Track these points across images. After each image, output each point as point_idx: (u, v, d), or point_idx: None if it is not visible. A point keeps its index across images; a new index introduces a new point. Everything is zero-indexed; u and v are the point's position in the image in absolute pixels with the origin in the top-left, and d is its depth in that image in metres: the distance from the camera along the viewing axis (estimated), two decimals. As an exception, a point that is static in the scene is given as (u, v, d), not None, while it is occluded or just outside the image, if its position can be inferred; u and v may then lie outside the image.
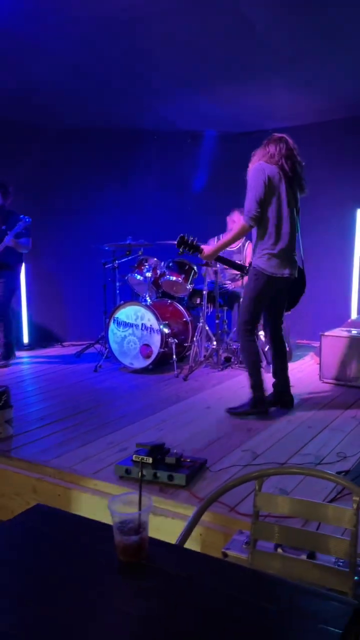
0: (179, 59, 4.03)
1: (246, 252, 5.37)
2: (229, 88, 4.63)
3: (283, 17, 3.34)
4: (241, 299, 3.46)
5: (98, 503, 2.41)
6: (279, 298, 3.43)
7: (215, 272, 4.67)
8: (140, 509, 1.12)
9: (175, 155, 6.02)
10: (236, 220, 5.35)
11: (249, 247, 5.39)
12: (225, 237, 3.45)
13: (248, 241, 5.41)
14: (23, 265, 5.12)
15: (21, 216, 4.70)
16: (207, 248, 3.46)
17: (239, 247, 5.38)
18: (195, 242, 3.49)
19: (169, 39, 3.68)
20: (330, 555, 1.64)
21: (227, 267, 4.06)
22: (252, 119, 5.53)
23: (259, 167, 3.22)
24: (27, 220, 4.69)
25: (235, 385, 4.23)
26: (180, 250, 3.63)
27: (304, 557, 1.75)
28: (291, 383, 3.61)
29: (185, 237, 3.46)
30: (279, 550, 1.82)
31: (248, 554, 1.61)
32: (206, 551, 2.11)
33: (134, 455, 2.54)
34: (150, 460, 2.50)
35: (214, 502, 1.70)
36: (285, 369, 3.57)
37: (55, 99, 4.93)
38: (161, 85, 4.62)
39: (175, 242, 3.50)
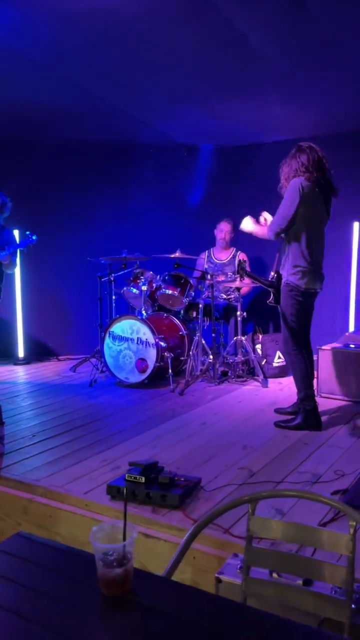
0: (175, 74, 4.03)
1: (237, 262, 5.33)
2: (224, 102, 4.63)
3: (277, 31, 3.34)
4: (281, 317, 3.49)
5: (90, 525, 2.35)
6: (309, 311, 3.49)
7: (211, 286, 4.64)
8: (124, 539, 1.07)
9: (171, 169, 6.02)
10: (224, 229, 5.35)
11: (240, 257, 5.36)
12: (262, 230, 3.48)
13: (239, 251, 5.39)
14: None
15: (27, 232, 4.39)
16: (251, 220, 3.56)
17: (229, 258, 5.37)
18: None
19: (165, 54, 3.67)
20: (326, 582, 1.58)
21: (259, 283, 4.04)
22: (248, 132, 5.53)
23: (297, 184, 3.22)
24: (34, 239, 4.37)
25: (232, 399, 4.17)
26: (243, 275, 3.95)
27: (299, 582, 1.70)
28: (289, 397, 3.55)
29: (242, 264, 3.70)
30: (274, 575, 1.76)
31: (242, 579, 1.56)
32: (200, 575, 2.05)
33: (127, 475, 2.48)
34: (143, 479, 2.44)
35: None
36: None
37: (50, 113, 4.93)
38: (157, 99, 4.61)
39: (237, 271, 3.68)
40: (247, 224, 3.60)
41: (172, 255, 4.71)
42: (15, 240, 4.51)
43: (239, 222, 5.48)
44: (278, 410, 3.71)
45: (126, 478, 2.47)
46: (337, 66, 3.84)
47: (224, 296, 5.11)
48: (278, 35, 3.40)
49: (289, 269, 3.35)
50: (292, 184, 3.25)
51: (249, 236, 5.55)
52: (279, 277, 3.45)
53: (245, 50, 3.57)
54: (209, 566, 2.02)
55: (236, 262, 5.33)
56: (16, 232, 5.64)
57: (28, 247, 4.36)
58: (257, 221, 3.61)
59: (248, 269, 3.82)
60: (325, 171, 3.31)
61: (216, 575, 1.81)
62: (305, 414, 3.39)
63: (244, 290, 5.00)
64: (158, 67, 3.91)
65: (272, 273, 3.53)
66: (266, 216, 3.59)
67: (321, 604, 1.47)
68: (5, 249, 4.29)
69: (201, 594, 1.10)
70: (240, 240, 5.50)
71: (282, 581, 1.68)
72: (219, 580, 1.81)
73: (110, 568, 1.04)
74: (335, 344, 4.32)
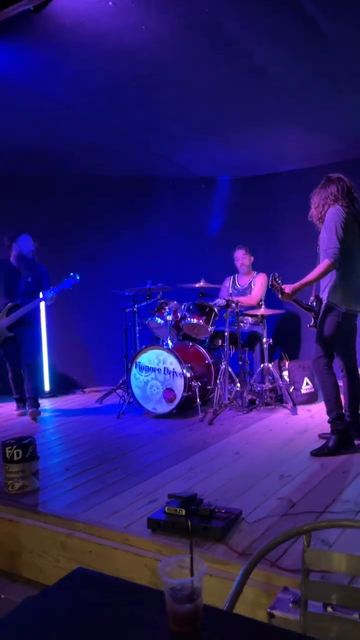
0: (195, 108, 4.14)
1: (254, 282, 5.32)
2: (243, 134, 4.73)
3: (296, 63, 3.43)
4: (316, 336, 3.49)
5: (131, 560, 2.31)
6: (352, 333, 3.55)
7: (237, 314, 4.64)
8: (192, 574, 1.05)
9: (191, 201, 6.12)
10: (238, 256, 5.38)
11: (257, 278, 5.34)
12: (307, 277, 3.40)
13: (258, 274, 5.38)
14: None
15: (72, 273, 4.70)
16: (288, 287, 3.42)
17: (250, 282, 5.37)
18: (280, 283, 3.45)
19: (185, 90, 3.78)
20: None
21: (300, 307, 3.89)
22: (265, 162, 5.62)
23: (336, 210, 3.32)
24: (77, 279, 4.69)
25: (263, 428, 4.12)
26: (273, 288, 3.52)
27: (356, 616, 1.64)
28: (319, 424, 3.52)
29: (276, 277, 3.42)
30: (329, 609, 1.71)
31: (299, 615, 1.51)
32: (249, 610, 1.99)
33: (166, 507, 2.44)
34: (183, 512, 2.41)
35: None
36: (357, 403, 3.57)
37: (72, 150, 5.08)
38: (176, 134, 4.73)
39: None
40: (287, 290, 3.42)
41: (197, 285, 4.74)
42: (47, 276, 4.82)
43: (256, 249, 5.54)
44: (322, 436, 3.69)
45: (166, 511, 2.44)
46: (351, 93, 3.91)
47: (251, 321, 5.10)
48: (297, 66, 3.49)
49: (330, 292, 3.38)
50: (331, 210, 3.34)
51: (271, 259, 5.59)
52: (319, 300, 3.47)
53: (264, 82, 3.67)
54: (258, 601, 1.97)
55: (252, 284, 5.33)
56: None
57: (73, 286, 4.68)
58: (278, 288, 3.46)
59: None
60: (354, 200, 3.41)
61: (268, 610, 1.75)
62: (338, 435, 3.37)
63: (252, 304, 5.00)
64: (178, 102, 4.02)
65: (312, 298, 3.54)
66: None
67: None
68: (49, 289, 4.65)
69: (273, 629, 1.07)
70: (260, 263, 5.52)
71: (338, 615, 1.63)
72: (271, 616, 1.75)
73: (181, 604, 1.02)
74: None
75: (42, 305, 5.71)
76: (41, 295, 4.68)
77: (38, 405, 4.86)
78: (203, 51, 3.25)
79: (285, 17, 2.89)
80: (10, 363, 4.85)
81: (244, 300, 5.10)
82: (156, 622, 1.06)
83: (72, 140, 4.78)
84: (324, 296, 3.42)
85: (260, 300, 5.10)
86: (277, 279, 3.41)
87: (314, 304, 3.51)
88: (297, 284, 3.38)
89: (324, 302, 3.42)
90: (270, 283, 3.43)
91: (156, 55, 3.28)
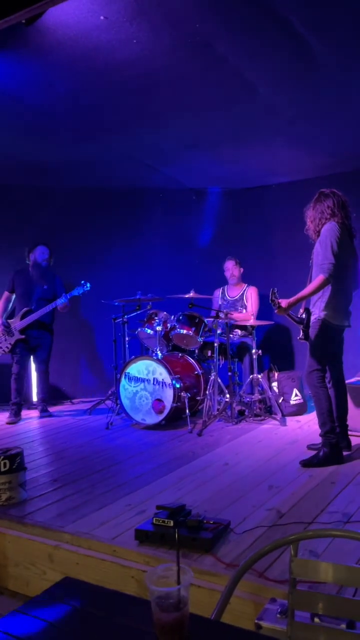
0: (185, 123, 4.19)
1: (246, 295, 5.36)
2: (232, 148, 4.78)
3: (284, 81, 3.50)
4: (308, 350, 3.54)
5: (118, 571, 2.30)
6: (341, 346, 3.64)
7: (226, 324, 4.66)
8: (179, 582, 1.06)
9: (181, 212, 6.17)
10: (228, 267, 5.42)
11: (248, 291, 5.38)
12: (302, 292, 3.43)
13: (249, 287, 5.41)
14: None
15: (82, 281, 5.04)
16: (284, 302, 3.42)
17: (240, 295, 5.41)
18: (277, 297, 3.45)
19: (177, 104, 3.83)
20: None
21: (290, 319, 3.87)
22: (255, 175, 5.69)
23: (332, 226, 3.39)
24: (88, 287, 5.01)
25: (252, 439, 4.13)
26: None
27: (343, 626, 1.64)
28: (308, 435, 3.52)
29: (275, 292, 3.42)
30: (316, 619, 1.71)
31: (286, 625, 1.51)
32: (237, 622, 1.98)
33: (154, 518, 2.43)
34: (171, 523, 2.40)
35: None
36: (345, 414, 3.63)
37: (65, 163, 5.11)
38: (168, 147, 4.78)
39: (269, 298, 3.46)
40: (284, 304, 3.42)
41: (187, 296, 4.76)
42: (61, 284, 5.19)
43: (246, 260, 5.58)
44: (310, 447, 3.70)
45: (154, 522, 2.43)
46: (339, 109, 3.98)
47: (240, 332, 5.12)
48: (285, 84, 3.55)
49: (321, 306, 3.42)
50: (327, 226, 3.40)
51: (261, 271, 5.63)
52: (308, 313, 3.51)
53: (254, 99, 3.72)
54: (245, 612, 1.96)
55: (245, 296, 5.37)
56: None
57: (83, 294, 5.05)
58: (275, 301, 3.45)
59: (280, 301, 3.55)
60: (348, 215, 3.49)
61: (256, 621, 1.75)
62: (330, 448, 3.39)
63: (240, 317, 5.03)
64: (169, 116, 4.07)
65: (302, 310, 3.57)
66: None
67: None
68: (62, 296, 5.00)
69: (260, 639, 1.07)
70: (250, 275, 5.56)
71: (326, 625, 1.63)
72: (259, 627, 1.75)
73: (167, 613, 1.02)
74: (356, 379, 4.30)
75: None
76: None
77: (47, 408, 5.28)
78: (194, 67, 3.30)
79: (275, 36, 2.95)
80: (19, 365, 5.06)
81: (241, 317, 5.13)
82: (143, 631, 1.06)
83: (63, 152, 4.80)
84: (315, 310, 3.47)
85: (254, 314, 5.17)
86: (276, 294, 3.43)
87: (304, 316, 3.54)
88: (292, 299, 3.41)
89: (316, 316, 3.46)
90: (270, 298, 3.44)
91: (148, 70, 3.32)
